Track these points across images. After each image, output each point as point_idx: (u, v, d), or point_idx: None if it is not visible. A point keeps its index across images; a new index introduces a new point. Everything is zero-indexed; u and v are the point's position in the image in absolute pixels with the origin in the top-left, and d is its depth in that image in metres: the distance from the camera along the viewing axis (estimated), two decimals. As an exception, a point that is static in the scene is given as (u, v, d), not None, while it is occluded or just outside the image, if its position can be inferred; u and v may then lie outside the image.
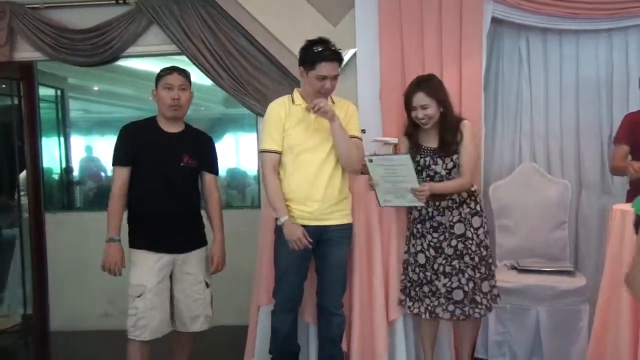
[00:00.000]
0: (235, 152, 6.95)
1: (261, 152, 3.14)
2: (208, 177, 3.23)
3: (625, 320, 2.79)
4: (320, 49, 2.99)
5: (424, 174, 3.20)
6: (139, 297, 3.00)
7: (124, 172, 3.05)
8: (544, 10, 3.88)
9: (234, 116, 6.36)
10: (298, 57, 3.10)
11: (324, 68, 2.98)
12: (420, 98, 3.13)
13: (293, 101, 3.13)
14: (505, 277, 3.60)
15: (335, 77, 3.03)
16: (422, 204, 3.08)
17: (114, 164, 3.08)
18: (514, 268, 3.73)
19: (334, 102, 3.16)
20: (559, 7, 3.85)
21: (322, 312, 3.21)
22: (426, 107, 3.13)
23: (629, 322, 2.79)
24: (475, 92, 3.92)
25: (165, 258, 3.06)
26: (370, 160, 3.06)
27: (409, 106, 3.18)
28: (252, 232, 3.93)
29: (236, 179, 6.51)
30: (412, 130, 3.26)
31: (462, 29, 3.90)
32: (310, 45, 3.03)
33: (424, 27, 3.94)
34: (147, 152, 3.04)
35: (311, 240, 3.03)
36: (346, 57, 4.13)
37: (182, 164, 3.06)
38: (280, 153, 3.09)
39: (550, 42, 4.15)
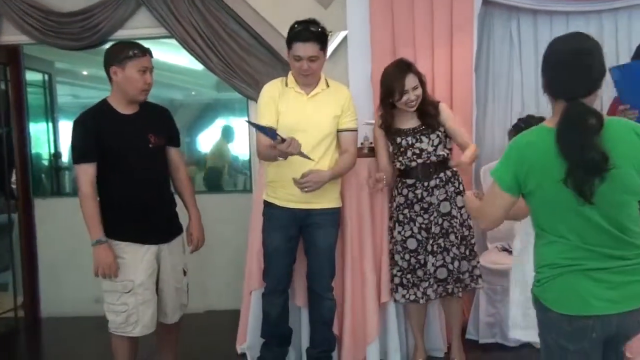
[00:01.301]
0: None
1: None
2: (174, 151, 3.05)
3: None
4: (298, 29, 2.95)
5: (410, 153, 3.21)
6: (128, 292, 2.84)
7: (90, 168, 2.80)
8: (535, -9, 3.86)
9: (225, 101, 6.32)
10: None
11: (299, 48, 2.95)
12: (412, 80, 3.15)
13: (286, 84, 3.11)
14: (496, 259, 3.62)
15: (312, 59, 2.97)
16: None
17: (78, 162, 2.82)
18: (504, 250, 3.74)
19: (328, 86, 3.13)
20: (549, -13, 3.84)
21: (312, 295, 3.23)
22: (416, 88, 3.16)
23: None
24: (467, 73, 3.92)
25: (152, 249, 2.90)
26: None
27: (394, 91, 3.15)
28: (243, 216, 3.92)
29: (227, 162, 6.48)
30: (387, 118, 3.27)
31: (452, 10, 3.89)
32: (293, 25, 3.01)
33: (414, 9, 3.93)
34: (113, 141, 2.81)
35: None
36: (337, 40, 4.12)
37: (150, 145, 2.89)
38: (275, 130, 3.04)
39: (541, 24, 4.14)
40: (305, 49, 2.95)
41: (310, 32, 2.96)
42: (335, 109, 3.10)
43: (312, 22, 3.00)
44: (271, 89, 3.12)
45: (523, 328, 2.83)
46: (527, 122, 3.20)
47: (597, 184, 1.77)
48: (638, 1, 3.91)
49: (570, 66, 1.86)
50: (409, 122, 3.25)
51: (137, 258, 2.88)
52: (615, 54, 4.05)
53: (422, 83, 3.21)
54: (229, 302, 4.30)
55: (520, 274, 2.83)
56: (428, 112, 3.21)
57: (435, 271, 3.21)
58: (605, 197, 1.81)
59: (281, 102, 3.07)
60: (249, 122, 3.28)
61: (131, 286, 2.85)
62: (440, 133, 3.21)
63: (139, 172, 2.86)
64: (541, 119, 2.69)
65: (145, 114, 2.93)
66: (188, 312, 3.17)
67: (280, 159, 2.96)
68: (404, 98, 3.16)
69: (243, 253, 3.69)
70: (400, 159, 3.25)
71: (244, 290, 3.60)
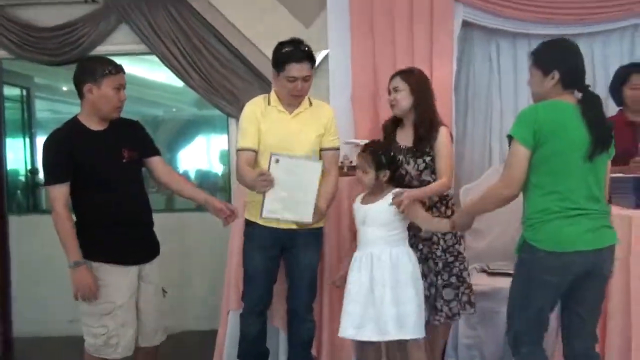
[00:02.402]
0: (207, 154, 6.89)
1: (238, 150, 3.05)
2: (157, 159, 2.99)
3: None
4: (289, 49, 2.94)
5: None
6: (108, 314, 2.77)
7: (64, 189, 2.74)
8: (513, 14, 3.93)
9: (206, 118, 6.31)
10: (270, 58, 3.06)
11: (294, 69, 2.94)
12: (395, 81, 3.15)
13: (269, 102, 3.08)
14: (475, 280, 3.60)
15: (306, 78, 2.98)
16: (309, 221, 2.89)
17: (50, 183, 2.75)
18: (483, 271, 3.74)
19: (311, 104, 3.12)
20: (527, 11, 3.91)
21: (292, 316, 3.18)
22: (397, 90, 3.11)
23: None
24: (446, 94, 3.94)
25: (133, 270, 2.84)
26: (277, 161, 2.82)
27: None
28: (221, 235, 3.88)
29: (207, 180, 6.45)
30: (391, 125, 3.23)
31: (432, 31, 3.93)
32: (280, 46, 2.99)
33: (395, 28, 3.96)
34: (86, 159, 2.75)
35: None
36: (318, 59, 4.11)
37: (124, 161, 2.83)
38: (255, 151, 3.03)
39: (520, 47, 4.19)
40: (300, 69, 2.94)
41: (302, 51, 2.95)
42: (319, 127, 3.08)
43: (299, 41, 2.99)
44: (253, 108, 3.08)
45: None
46: None
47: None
48: (613, 26, 3.97)
49: (582, 62, 2.56)
50: (406, 139, 3.17)
51: (119, 279, 2.81)
52: (592, 78, 4.10)
53: (414, 92, 3.09)
54: (205, 322, 4.24)
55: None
56: (419, 133, 3.11)
57: None
58: (602, 158, 2.47)
59: (263, 121, 3.04)
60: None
61: (111, 308, 2.78)
62: (428, 158, 3.10)
63: (114, 189, 2.80)
64: None
65: (117, 129, 2.87)
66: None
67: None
68: (389, 98, 3.16)
69: (220, 273, 3.65)
70: (383, 170, 3.20)
71: (222, 310, 3.55)
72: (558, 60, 2.52)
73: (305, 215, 2.89)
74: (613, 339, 2.81)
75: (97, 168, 2.78)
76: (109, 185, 2.79)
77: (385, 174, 2.95)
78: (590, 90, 2.52)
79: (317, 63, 4.05)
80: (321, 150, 3.11)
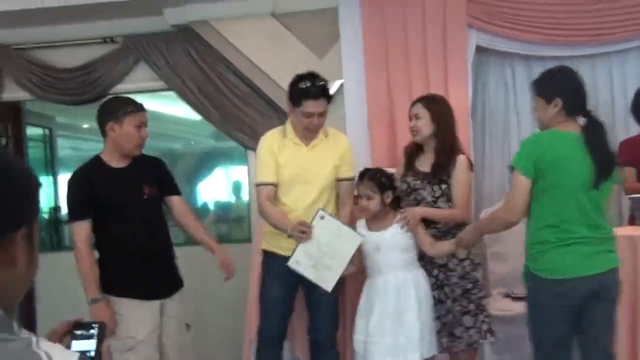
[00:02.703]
0: (226, 185, 6.94)
1: (257, 185, 3.09)
2: (176, 199, 3.06)
3: (622, 341, 2.78)
4: (306, 85, 2.96)
5: (411, 197, 3.16)
6: (129, 350, 2.78)
7: (86, 225, 2.82)
8: (527, 37, 3.93)
9: (224, 149, 6.37)
10: (287, 90, 3.09)
11: (310, 105, 2.96)
12: (416, 108, 3.16)
13: (285, 134, 3.10)
14: (499, 306, 3.57)
15: (322, 114, 3.00)
16: (328, 290, 2.90)
17: (73, 220, 2.84)
18: (507, 296, 3.69)
19: (327, 135, 3.13)
20: (540, 34, 3.91)
21: (315, 348, 3.17)
22: (418, 117, 3.12)
23: (626, 343, 2.77)
24: (463, 119, 3.92)
25: (155, 304, 2.88)
26: (322, 217, 2.88)
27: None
28: (242, 267, 3.88)
29: (227, 212, 6.48)
30: (413, 149, 3.23)
31: (446, 58, 3.94)
32: (297, 80, 3.01)
33: (409, 57, 3.98)
34: (108, 197, 2.83)
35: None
36: (333, 89, 4.15)
37: (145, 197, 2.89)
38: (275, 185, 3.05)
39: (535, 69, 4.17)
40: (317, 105, 2.97)
41: (319, 88, 2.98)
42: (335, 158, 3.11)
43: (316, 76, 3.01)
44: (270, 141, 3.10)
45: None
46: None
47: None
48: (630, 45, 3.95)
49: (584, 87, 2.65)
50: (425, 164, 3.17)
51: (140, 314, 2.84)
52: (610, 98, 4.09)
53: (435, 119, 3.10)
54: (228, 356, 4.21)
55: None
56: (439, 160, 3.10)
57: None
58: (606, 185, 2.53)
59: (281, 155, 3.06)
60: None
61: (132, 343, 2.79)
62: (445, 186, 3.09)
63: (136, 225, 2.86)
64: None
65: (138, 166, 2.95)
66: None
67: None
68: (409, 125, 3.17)
69: (241, 306, 3.64)
70: (406, 198, 3.20)
71: (245, 341, 3.54)
72: (560, 88, 2.61)
73: (327, 282, 2.91)
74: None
75: (118, 204, 2.85)
76: (130, 221, 2.85)
77: (389, 195, 3.00)
78: (594, 116, 2.60)
79: (331, 93, 4.13)
80: (337, 180, 3.12)
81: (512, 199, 2.56)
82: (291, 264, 2.90)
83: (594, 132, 2.55)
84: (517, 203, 2.53)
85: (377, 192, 2.98)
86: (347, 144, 3.19)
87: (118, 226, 2.85)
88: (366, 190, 2.99)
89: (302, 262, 2.89)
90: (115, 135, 2.86)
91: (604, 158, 2.51)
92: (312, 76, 3.01)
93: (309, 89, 2.96)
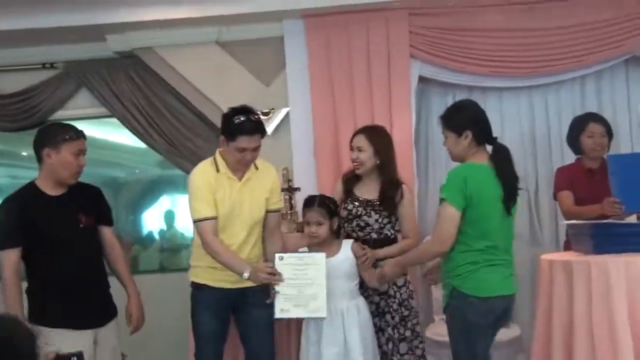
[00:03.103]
0: (172, 214, 6.81)
1: (199, 220, 2.97)
2: (106, 230, 3.01)
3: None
4: (240, 120, 2.91)
5: (354, 223, 3.19)
6: None
7: (14, 254, 2.73)
8: (468, 69, 4.04)
9: (170, 177, 6.27)
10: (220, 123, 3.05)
11: (244, 141, 2.92)
12: (359, 140, 3.18)
13: (217, 169, 3.04)
14: (441, 331, 3.59)
15: (256, 149, 2.98)
16: (324, 316, 2.91)
17: (1, 248, 2.74)
18: (450, 322, 3.72)
19: (257, 168, 3.11)
20: (481, 65, 4.03)
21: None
22: (361, 150, 3.15)
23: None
24: (407, 147, 4.00)
25: (89, 334, 2.80)
26: (281, 258, 2.94)
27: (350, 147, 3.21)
28: (187, 296, 3.81)
29: (172, 240, 6.37)
30: (352, 177, 3.26)
31: (390, 87, 4.02)
32: (231, 114, 2.96)
33: (354, 85, 4.04)
34: (41, 224, 2.76)
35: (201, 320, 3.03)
36: (280, 116, 4.19)
37: (81, 226, 2.85)
38: (216, 218, 2.99)
39: (476, 99, 4.26)
40: (251, 141, 2.93)
41: (253, 123, 2.94)
42: (266, 191, 3.11)
43: (250, 110, 2.98)
44: (206, 176, 3.01)
45: None
46: None
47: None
48: (565, 77, 4.11)
49: (487, 117, 2.86)
50: (366, 192, 3.21)
51: (72, 345, 2.67)
52: (546, 128, 4.24)
53: (378, 152, 3.15)
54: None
55: None
56: (385, 191, 3.16)
57: None
58: (514, 209, 2.77)
59: (218, 190, 3.00)
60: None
61: None
62: (392, 216, 3.16)
63: (70, 254, 2.79)
64: None
65: (75, 194, 2.89)
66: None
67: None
68: (350, 155, 3.19)
69: (179, 334, 3.57)
70: (346, 225, 3.22)
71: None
72: (468, 120, 2.79)
73: (318, 310, 2.91)
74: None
75: (53, 233, 2.76)
76: (63, 250, 2.78)
77: (335, 222, 3.07)
78: (498, 143, 2.81)
79: (278, 121, 4.15)
80: (267, 212, 3.12)
81: (442, 230, 2.67)
82: (277, 315, 2.92)
83: (501, 158, 2.75)
84: (447, 234, 2.65)
85: (327, 218, 3.03)
86: (276, 177, 3.21)
87: (50, 255, 2.76)
88: (317, 216, 3.02)
89: (285, 308, 2.91)
90: (52, 161, 2.79)
91: (511, 183, 2.73)
92: (246, 111, 2.97)
93: (244, 124, 2.91)
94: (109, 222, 3.05)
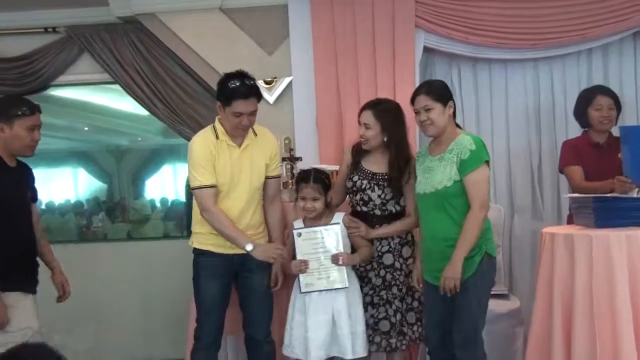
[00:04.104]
0: (174, 183, 6.85)
1: (198, 188, 2.99)
2: (34, 206, 3.04)
3: (558, 340, 2.85)
4: (235, 85, 2.91)
5: (358, 197, 3.16)
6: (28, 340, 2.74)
7: None
8: (473, 39, 3.99)
9: (172, 146, 6.28)
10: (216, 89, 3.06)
11: (240, 105, 2.91)
12: (366, 116, 3.09)
13: (217, 135, 3.04)
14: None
15: (252, 113, 2.97)
16: (346, 285, 2.98)
17: None
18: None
19: (256, 134, 3.12)
20: (486, 36, 3.97)
21: (251, 342, 3.17)
22: (368, 127, 3.08)
23: (561, 342, 2.85)
24: (410, 120, 3.92)
25: (32, 299, 2.88)
26: (299, 235, 3.02)
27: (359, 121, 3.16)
28: (189, 263, 3.84)
29: (174, 209, 6.40)
30: (360, 148, 3.19)
31: (395, 57, 3.97)
32: (226, 80, 2.96)
33: (357, 55, 4.00)
34: (4, 193, 2.78)
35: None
36: (282, 85, 4.16)
37: (27, 199, 2.93)
38: (216, 187, 3.00)
39: (481, 71, 4.26)
40: (246, 105, 2.92)
41: (248, 87, 2.93)
42: (266, 158, 3.12)
43: (245, 75, 2.97)
44: (206, 144, 3.01)
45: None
46: None
47: None
48: (571, 50, 4.06)
49: None
50: (375, 165, 3.15)
51: (30, 306, 2.84)
52: (551, 102, 4.20)
53: (385, 129, 3.08)
54: (166, 351, 4.18)
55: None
56: (392, 168, 3.09)
57: (377, 323, 3.11)
58: None
59: (218, 158, 3.01)
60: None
61: (30, 333, 2.77)
62: (396, 189, 3.10)
63: (21, 224, 2.86)
64: None
65: (20, 168, 2.95)
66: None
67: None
68: (359, 130, 3.14)
69: (182, 300, 3.60)
70: (350, 196, 3.21)
71: (188, 339, 3.49)
72: (449, 92, 2.94)
73: (339, 281, 3.00)
74: (579, 358, 2.82)
75: (9, 201, 2.80)
76: (17, 218, 2.84)
77: (329, 196, 3.10)
78: None
79: (281, 90, 4.13)
80: (266, 178, 3.15)
81: (485, 192, 2.80)
82: (304, 289, 3.00)
83: None
84: (488, 196, 2.83)
85: (322, 193, 3.05)
86: (275, 143, 3.22)
87: (7, 223, 2.79)
88: (313, 192, 3.03)
89: (309, 282, 3.00)
90: (5, 135, 2.80)
91: None
92: (241, 75, 2.96)
93: (238, 89, 2.90)
94: (36, 199, 3.10)
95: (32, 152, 2.89)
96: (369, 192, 3.13)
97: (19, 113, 2.79)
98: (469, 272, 2.76)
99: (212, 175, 2.98)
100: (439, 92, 2.88)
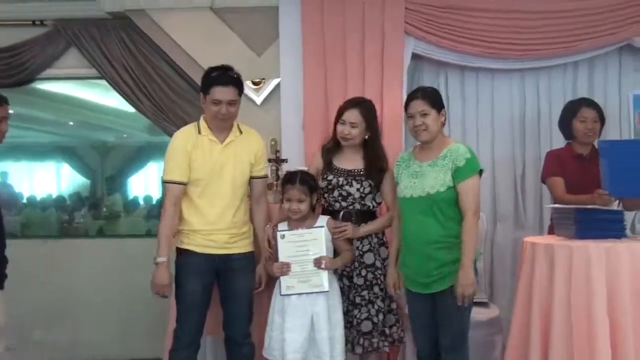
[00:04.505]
0: (159, 181, 6.79)
1: (165, 182, 3.05)
2: None
3: (535, 349, 2.87)
4: (216, 74, 3.00)
5: (336, 193, 3.17)
6: None
7: None
8: (462, 48, 4.02)
9: (158, 144, 6.24)
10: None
11: (218, 92, 2.97)
12: (353, 115, 3.13)
13: (199, 131, 3.08)
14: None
15: (231, 102, 3.00)
16: (326, 290, 2.99)
17: None
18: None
19: (241, 132, 3.14)
20: (475, 45, 4.01)
21: (230, 343, 3.16)
22: (354, 126, 3.12)
23: (538, 351, 2.86)
24: (396, 125, 3.99)
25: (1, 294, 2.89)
26: (283, 237, 3.02)
27: (338, 119, 3.18)
28: (171, 261, 3.81)
29: (158, 207, 6.35)
30: (332, 147, 3.24)
31: (383, 63, 3.99)
32: (209, 71, 3.04)
33: (346, 59, 4.01)
34: None
35: (167, 295, 3.05)
36: (270, 87, 4.16)
37: None
38: (185, 184, 3.04)
39: (468, 80, 4.29)
40: (224, 92, 2.98)
41: (229, 76, 3.01)
42: (250, 155, 3.14)
43: (229, 68, 3.05)
44: (183, 139, 3.06)
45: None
46: None
47: None
48: (557, 62, 4.11)
49: None
50: (348, 162, 3.20)
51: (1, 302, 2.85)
52: (537, 112, 4.24)
53: (369, 127, 3.15)
54: (142, 351, 4.17)
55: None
56: (374, 163, 3.15)
57: (359, 324, 3.12)
58: None
59: (195, 151, 3.04)
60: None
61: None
62: (373, 184, 3.16)
63: None
64: None
65: None
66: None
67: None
68: (339, 128, 3.16)
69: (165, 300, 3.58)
70: (326, 196, 3.21)
71: (167, 338, 3.47)
72: (442, 101, 3.00)
73: (320, 285, 3.00)
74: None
75: None
76: None
77: (315, 197, 3.10)
78: None
79: (268, 91, 4.13)
80: (251, 178, 3.17)
81: (478, 201, 2.88)
82: (284, 292, 3.00)
83: None
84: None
85: (308, 195, 3.05)
86: (261, 142, 3.24)
87: None
88: (299, 194, 3.03)
89: (290, 285, 3.00)
90: None
91: None
92: (224, 67, 3.05)
93: (219, 76, 2.99)
94: None
95: None
96: (347, 187, 3.16)
97: None
98: (455, 277, 2.82)
99: (182, 172, 3.02)
100: (435, 98, 2.97)
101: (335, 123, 3.20)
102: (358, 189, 3.15)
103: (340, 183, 3.16)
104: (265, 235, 3.14)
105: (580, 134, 3.57)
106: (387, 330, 3.15)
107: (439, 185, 2.85)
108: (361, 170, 3.17)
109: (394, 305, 3.21)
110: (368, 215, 3.20)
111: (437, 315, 2.90)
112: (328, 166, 3.21)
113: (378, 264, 3.17)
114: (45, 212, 6.37)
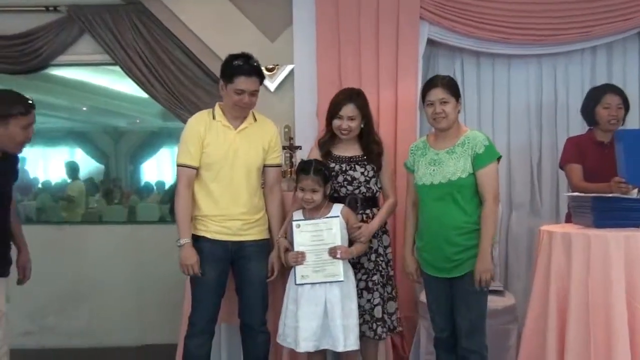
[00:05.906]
0: (171, 166, 6.81)
1: (178, 165, 3.08)
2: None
3: (552, 338, 2.85)
4: (239, 63, 2.98)
5: (341, 178, 3.17)
6: None
7: None
8: (477, 33, 3.97)
9: (171, 130, 6.24)
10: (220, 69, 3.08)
11: (242, 82, 2.97)
12: (350, 110, 3.13)
13: (214, 116, 3.09)
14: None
15: (253, 93, 3.02)
16: (341, 279, 2.98)
17: None
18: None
19: (256, 120, 3.15)
20: (491, 31, 3.96)
21: (246, 330, 3.16)
22: (353, 119, 3.13)
23: (555, 340, 2.84)
24: (411, 111, 3.97)
25: (6, 282, 2.89)
26: (298, 226, 3.02)
27: (334, 114, 3.16)
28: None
29: (171, 193, 6.37)
30: (328, 140, 3.24)
31: (398, 49, 3.95)
32: (231, 59, 3.03)
33: (361, 45, 3.97)
34: None
35: (201, 272, 3.03)
36: (284, 73, 4.14)
37: (10, 188, 2.94)
38: (196, 169, 3.05)
39: (484, 66, 4.24)
40: (248, 83, 2.98)
41: (252, 66, 3.00)
42: (264, 143, 3.13)
43: (250, 56, 3.04)
44: (197, 123, 3.08)
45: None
46: None
47: None
48: (575, 47, 4.05)
49: None
50: (347, 151, 3.21)
51: (2, 290, 2.85)
52: (554, 99, 4.19)
53: (364, 117, 3.17)
54: (162, 336, 4.17)
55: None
56: (372, 149, 3.18)
57: (372, 309, 3.13)
58: None
59: (208, 136, 3.05)
60: None
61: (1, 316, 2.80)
62: (375, 168, 3.18)
63: (3, 210, 2.87)
64: None
65: (8, 159, 2.90)
66: (121, 346, 3.08)
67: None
68: (336, 123, 3.15)
69: (179, 284, 3.58)
70: (332, 181, 3.18)
71: (182, 324, 3.48)
72: (459, 90, 3.00)
73: (334, 274, 2.98)
74: (572, 357, 2.82)
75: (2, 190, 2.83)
76: (5, 206, 2.86)
77: (329, 187, 3.08)
78: None
79: (282, 77, 4.11)
80: (265, 166, 3.16)
81: (497, 186, 2.91)
82: (298, 281, 2.99)
83: None
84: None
85: (322, 185, 3.04)
86: (275, 131, 3.23)
87: None
88: (313, 184, 3.02)
89: (305, 274, 2.99)
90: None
91: None
92: (246, 56, 3.03)
93: (242, 66, 2.98)
94: (17, 179, 3.06)
95: (21, 150, 2.87)
96: (351, 172, 3.17)
97: (16, 112, 2.75)
98: (475, 262, 2.85)
99: (195, 156, 3.03)
100: (454, 87, 2.97)
101: (330, 116, 3.18)
102: (362, 173, 3.16)
103: (344, 169, 3.17)
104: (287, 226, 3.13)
105: (604, 120, 3.52)
106: (385, 317, 3.15)
107: (460, 171, 2.88)
108: (362, 156, 3.20)
109: (394, 293, 3.21)
110: (372, 201, 3.20)
111: (456, 299, 2.93)
112: (328, 156, 3.21)
113: (380, 250, 3.19)
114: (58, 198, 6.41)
